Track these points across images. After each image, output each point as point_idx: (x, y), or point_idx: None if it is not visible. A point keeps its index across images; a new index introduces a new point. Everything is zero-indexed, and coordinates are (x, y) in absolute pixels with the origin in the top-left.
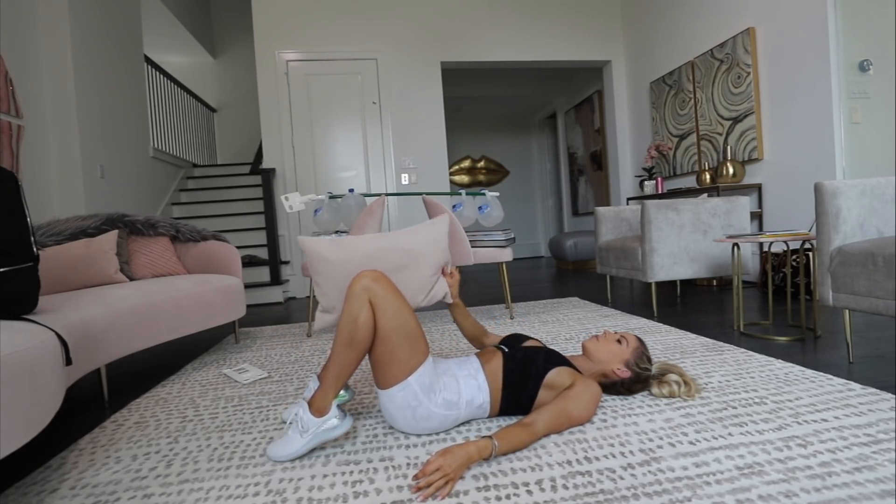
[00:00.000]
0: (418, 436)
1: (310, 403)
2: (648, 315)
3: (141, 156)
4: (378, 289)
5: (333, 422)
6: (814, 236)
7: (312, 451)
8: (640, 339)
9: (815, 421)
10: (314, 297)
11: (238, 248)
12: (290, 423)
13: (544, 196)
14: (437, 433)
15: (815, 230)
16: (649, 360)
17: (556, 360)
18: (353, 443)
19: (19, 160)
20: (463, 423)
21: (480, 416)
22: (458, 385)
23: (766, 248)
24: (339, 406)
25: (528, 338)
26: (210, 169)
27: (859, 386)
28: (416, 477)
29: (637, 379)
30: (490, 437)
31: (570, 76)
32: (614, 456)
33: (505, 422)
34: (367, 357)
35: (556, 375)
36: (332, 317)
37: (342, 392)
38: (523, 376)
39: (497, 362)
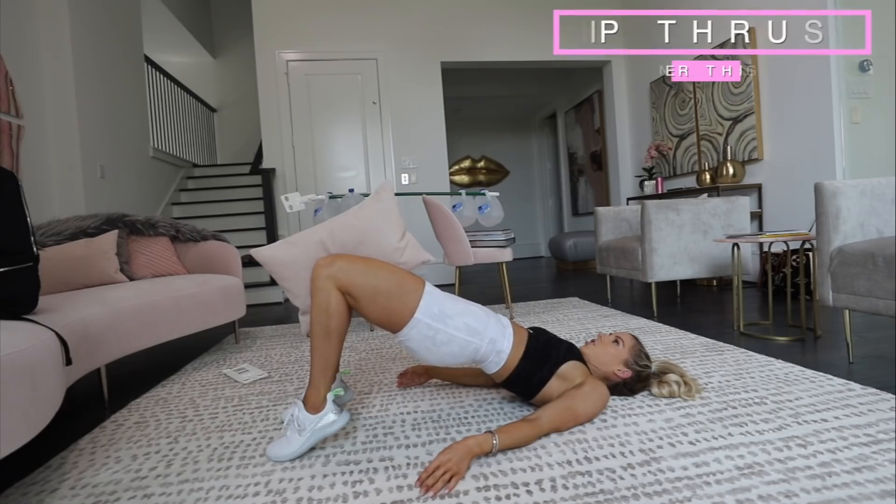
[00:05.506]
0: (418, 435)
1: (304, 401)
2: (648, 315)
3: (141, 156)
4: (336, 268)
5: (330, 417)
6: (814, 236)
7: (312, 450)
8: (635, 337)
9: (815, 421)
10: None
11: (238, 248)
12: (287, 423)
13: (544, 196)
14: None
15: (815, 230)
16: (648, 357)
17: (577, 355)
18: (353, 443)
19: (19, 160)
20: (463, 423)
21: (496, 364)
22: (488, 320)
23: (766, 249)
24: (335, 402)
25: (552, 334)
26: (210, 169)
27: (859, 386)
28: (419, 480)
29: (638, 378)
30: (491, 431)
31: (569, 76)
32: (614, 456)
33: (506, 420)
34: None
35: (571, 368)
36: None
37: (341, 392)
38: (543, 356)
39: (523, 335)
